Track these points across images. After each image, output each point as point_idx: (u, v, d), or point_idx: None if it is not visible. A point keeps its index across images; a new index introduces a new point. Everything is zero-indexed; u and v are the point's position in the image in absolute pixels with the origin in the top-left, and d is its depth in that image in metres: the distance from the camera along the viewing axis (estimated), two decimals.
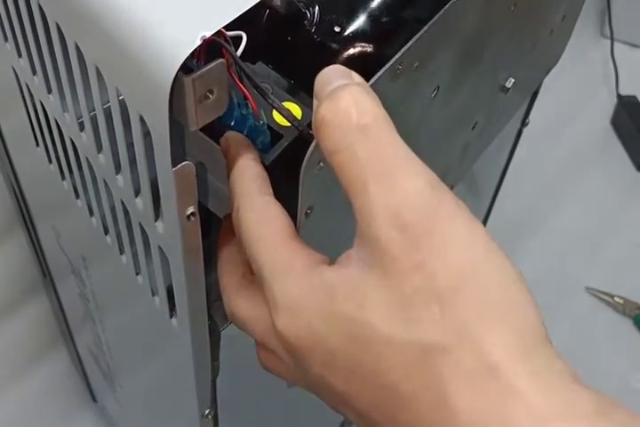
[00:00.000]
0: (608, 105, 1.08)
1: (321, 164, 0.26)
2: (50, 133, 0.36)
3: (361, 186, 0.22)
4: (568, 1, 0.44)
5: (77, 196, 0.37)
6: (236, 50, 0.24)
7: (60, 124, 0.33)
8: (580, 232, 0.96)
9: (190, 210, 0.26)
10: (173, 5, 0.24)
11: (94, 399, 0.74)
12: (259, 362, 0.27)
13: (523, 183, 0.93)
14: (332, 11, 0.31)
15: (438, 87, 0.32)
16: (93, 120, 0.29)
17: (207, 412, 0.37)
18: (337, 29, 0.31)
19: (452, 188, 0.45)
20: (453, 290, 0.21)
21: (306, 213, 0.28)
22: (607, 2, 1.10)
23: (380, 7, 0.31)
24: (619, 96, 1.07)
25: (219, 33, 0.23)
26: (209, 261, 0.29)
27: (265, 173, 0.27)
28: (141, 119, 0.24)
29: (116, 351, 0.52)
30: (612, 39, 1.11)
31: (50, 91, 0.32)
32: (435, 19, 0.28)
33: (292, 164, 0.26)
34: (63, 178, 0.38)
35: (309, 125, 0.25)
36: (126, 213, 0.31)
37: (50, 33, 0.28)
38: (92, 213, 0.37)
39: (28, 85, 0.35)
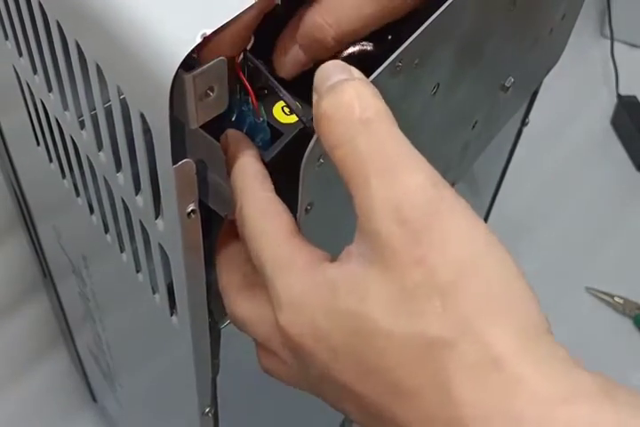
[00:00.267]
0: (608, 105, 1.08)
1: (321, 160, 0.26)
2: (50, 132, 0.36)
3: (362, 180, 0.22)
4: (568, 0, 0.44)
5: (78, 194, 0.37)
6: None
7: (61, 123, 0.33)
8: (580, 232, 0.96)
9: (191, 207, 0.26)
10: (174, 3, 0.24)
11: (94, 399, 0.74)
12: (259, 365, 0.27)
13: (523, 183, 0.93)
14: None
15: (438, 85, 0.32)
16: (94, 118, 0.29)
17: (207, 410, 0.37)
18: None
19: (452, 186, 0.45)
20: (455, 284, 0.21)
21: (306, 210, 0.28)
22: (607, 2, 1.10)
23: None
24: (619, 96, 1.07)
25: None
26: (209, 259, 0.29)
27: (265, 170, 0.27)
28: (142, 117, 0.25)
29: (117, 351, 0.52)
30: (612, 39, 1.11)
31: (50, 89, 0.32)
32: (435, 16, 0.28)
33: (292, 161, 0.26)
34: (64, 176, 0.38)
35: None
36: (127, 210, 0.31)
37: (50, 31, 0.28)
38: (92, 211, 0.37)
39: (28, 84, 0.35)
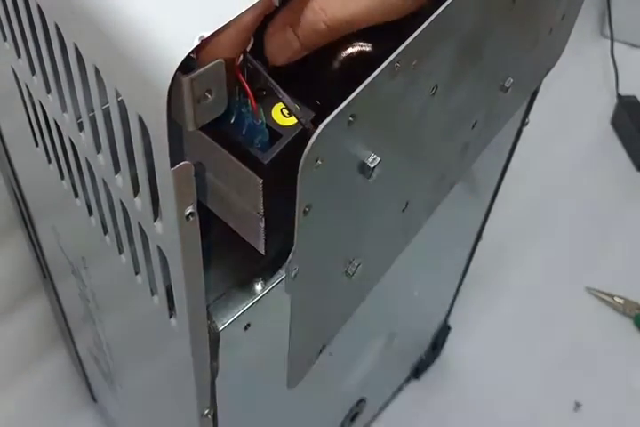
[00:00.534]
0: (608, 105, 1.08)
1: (319, 162, 0.26)
2: (49, 134, 0.36)
3: None
4: (568, 0, 0.44)
5: (77, 195, 0.37)
6: None
7: (60, 125, 0.33)
8: (580, 232, 0.96)
9: (189, 210, 0.26)
10: (172, 5, 0.24)
11: (94, 399, 0.74)
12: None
13: (523, 183, 0.93)
14: None
15: (437, 85, 0.32)
16: (92, 120, 0.29)
17: (206, 411, 0.37)
18: None
19: (451, 187, 0.45)
20: None
21: (304, 212, 0.28)
22: (607, 2, 1.10)
23: None
24: (619, 96, 1.07)
25: None
26: (208, 261, 0.29)
27: None
28: (140, 119, 0.24)
29: (117, 351, 0.52)
30: (612, 39, 1.11)
31: (49, 91, 0.32)
32: (433, 17, 0.28)
33: (291, 163, 0.26)
34: (62, 178, 0.38)
35: (314, 122, 0.25)
36: (125, 212, 0.31)
37: (49, 33, 0.28)
38: (91, 212, 0.37)
39: (27, 86, 0.35)
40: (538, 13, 0.41)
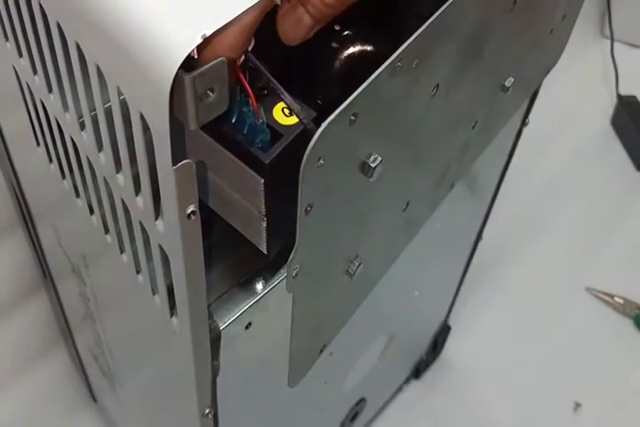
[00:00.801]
0: (608, 105, 1.08)
1: (320, 161, 0.26)
2: (50, 133, 0.36)
3: None
4: (568, 0, 0.44)
5: (78, 195, 0.37)
6: None
7: (61, 124, 0.33)
8: (580, 232, 0.96)
9: (191, 209, 0.26)
10: (174, 4, 0.24)
11: (94, 399, 0.74)
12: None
13: (523, 183, 0.93)
14: None
15: (438, 85, 0.32)
16: (94, 119, 0.29)
17: (207, 411, 0.37)
18: (336, 28, 0.31)
19: (452, 186, 0.45)
20: None
21: (306, 211, 0.28)
22: (607, 2, 1.10)
23: (379, 6, 0.31)
24: (619, 96, 1.07)
25: None
26: (209, 260, 0.29)
27: None
28: (142, 118, 0.24)
29: (117, 351, 0.52)
30: (612, 39, 1.11)
31: (50, 90, 0.32)
32: (434, 16, 0.28)
33: (292, 162, 0.26)
34: (63, 177, 0.38)
35: (315, 122, 0.25)
36: (127, 211, 0.31)
37: (50, 32, 0.28)
38: (92, 211, 0.37)
39: (28, 85, 0.35)
40: (538, 14, 0.41)
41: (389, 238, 0.40)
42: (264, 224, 0.31)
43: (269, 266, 0.35)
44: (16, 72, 0.35)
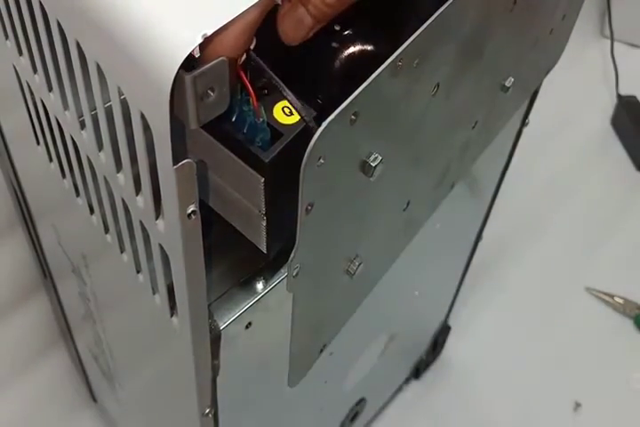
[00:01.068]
0: (608, 105, 1.08)
1: (321, 160, 0.26)
2: (50, 132, 0.36)
3: None
4: (568, 0, 0.44)
5: (78, 194, 0.37)
6: None
7: (61, 123, 0.33)
8: (580, 232, 0.96)
9: (191, 208, 0.26)
10: (175, 3, 0.24)
11: (94, 399, 0.74)
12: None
13: (523, 183, 0.93)
14: None
15: (438, 85, 0.32)
16: (94, 118, 0.29)
17: (207, 411, 0.37)
18: (337, 28, 0.31)
19: (452, 186, 0.45)
20: None
21: (306, 210, 0.28)
22: (607, 2, 1.10)
23: (380, 5, 0.31)
24: (619, 96, 1.07)
25: None
26: (209, 260, 0.29)
27: None
28: (142, 117, 0.24)
29: (117, 351, 0.52)
30: (612, 39, 1.11)
31: (50, 89, 0.32)
32: (435, 16, 0.28)
33: (292, 161, 0.26)
34: (64, 176, 0.38)
35: (316, 120, 0.25)
36: (127, 211, 0.31)
37: (51, 31, 0.28)
38: (92, 211, 0.37)
39: (28, 84, 0.35)
40: (538, 14, 0.41)
41: (390, 238, 0.40)
42: (264, 223, 0.31)
43: (269, 266, 0.35)
44: (16, 71, 0.35)
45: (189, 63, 0.22)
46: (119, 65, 0.24)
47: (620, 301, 0.89)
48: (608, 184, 1.01)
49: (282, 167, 0.28)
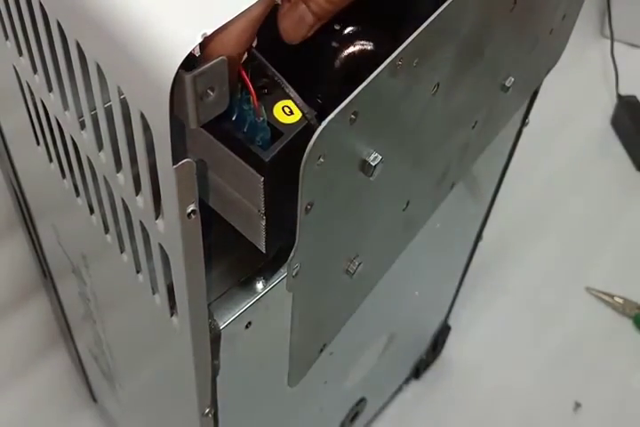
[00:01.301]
0: (608, 105, 1.08)
1: (321, 159, 0.26)
2: (50, 132, 0.36)
3: None
4: (568, 0, 0.44)
5: (78, 194, 0.37)
6: None
7: (61, 123, 0.33)
8: (580, 232, 0.96)
9: (191, 208, 0.26)
10: (174, 3, 0.24)
11: (94, 399, 0.74)
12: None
13: (523, 183, 0.93)
14: None
15: (438, 84, 0.32)
16: (94, 118, 0.29)
17: (207, 411, 0.37)
18: (336, 27, 0.31)
19: (452, 186, 0.45)
20: None
21: (306, 209, 0.28)
22: (607, 2, 1.10)
23: (380, 5, 0.31)
24: (619, 96, 1.07)
25: None
26: (209, 260, 0.29)
27: None
28: (142, 117, 0.24)
29: (117, 351, 0.52)
30: (612, 39, 1.11)
31: (50, 89, 0.32)
32: (435, 15, 0.28)
33: (292, 160, 0.26)
34: (64, 176, 0.38)
35: (317, 118, 0.25)
36: (127, 211, 0.31)
37: (50, 31, 0.28)
38: (92, 211, 0.37)
39: (28, 84, 0.35)
40: (538, 13, 0.41)
41: (390, 238, 0.40)
42: (263, 223, 0.31)
43: (269, 265, 0.35)
44: (16, 71, 0.35)
45: (189, 62, 0.22)
46: (119, 65, 0.25)
47: (620, 300, 0.89)
48: (608, 184, 1.01)
49: (282, 167, 0.28)
